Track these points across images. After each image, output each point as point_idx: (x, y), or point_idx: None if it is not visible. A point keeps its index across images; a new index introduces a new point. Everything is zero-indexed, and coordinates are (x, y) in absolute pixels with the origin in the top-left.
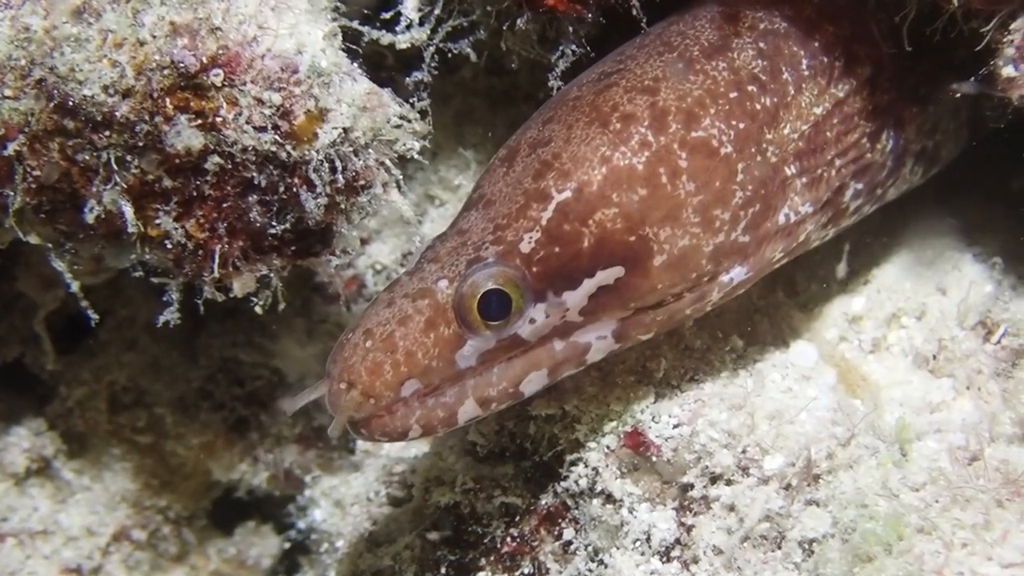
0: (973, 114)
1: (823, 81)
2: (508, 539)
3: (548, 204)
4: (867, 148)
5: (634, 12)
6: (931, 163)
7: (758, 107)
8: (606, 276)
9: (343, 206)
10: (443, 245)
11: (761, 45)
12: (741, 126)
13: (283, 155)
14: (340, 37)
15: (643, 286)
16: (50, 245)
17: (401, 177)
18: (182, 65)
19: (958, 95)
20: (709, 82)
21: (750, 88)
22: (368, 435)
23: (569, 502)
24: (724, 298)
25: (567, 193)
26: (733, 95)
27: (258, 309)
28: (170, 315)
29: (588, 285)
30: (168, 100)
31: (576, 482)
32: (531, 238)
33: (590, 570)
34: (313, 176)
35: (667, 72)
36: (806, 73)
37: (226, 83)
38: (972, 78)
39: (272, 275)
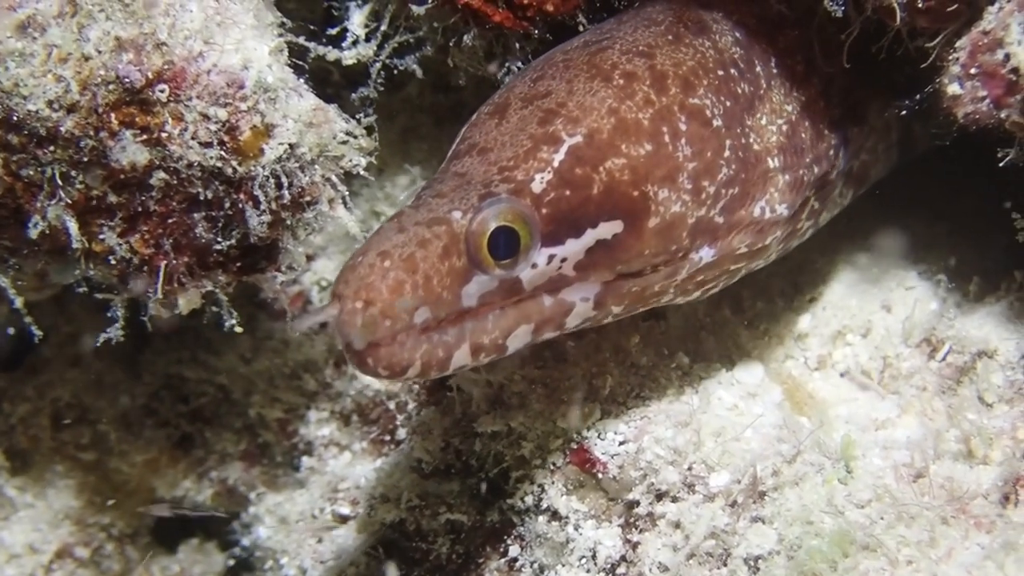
0: (903, 135)
1: (788, 82)
2: (454, 556)
3: (559, 147)
4: (832, 162)
5: (580, 28)
6: (859, 184)
7: (739, 91)
8: (607, 229)
9: (289, 222)
10: (444, 184)
11: (736, 35)
12: (728, 104)
13: (229, 171)
14: (286, 53)
15: (634, 247)
16: None
17: (347, 193)
18: (127, 80)
19: (902, 113)
20: (699, 56)
21: (732, 71)
22: (372, 365)
23: (515, 519)
24: (687, 280)
25: (578, 138)
26: (720, 73)
27: (237, 327)
28: (114, 332)
29: (590, 235)
30: (113, 115)
31: (522, 499)
32: (543, 178)
33: None
34: (259, 192)
35: (659, 41)
36: (775, 71)
37: (172, 98)
38: (917, 95)
39: (218, 291)
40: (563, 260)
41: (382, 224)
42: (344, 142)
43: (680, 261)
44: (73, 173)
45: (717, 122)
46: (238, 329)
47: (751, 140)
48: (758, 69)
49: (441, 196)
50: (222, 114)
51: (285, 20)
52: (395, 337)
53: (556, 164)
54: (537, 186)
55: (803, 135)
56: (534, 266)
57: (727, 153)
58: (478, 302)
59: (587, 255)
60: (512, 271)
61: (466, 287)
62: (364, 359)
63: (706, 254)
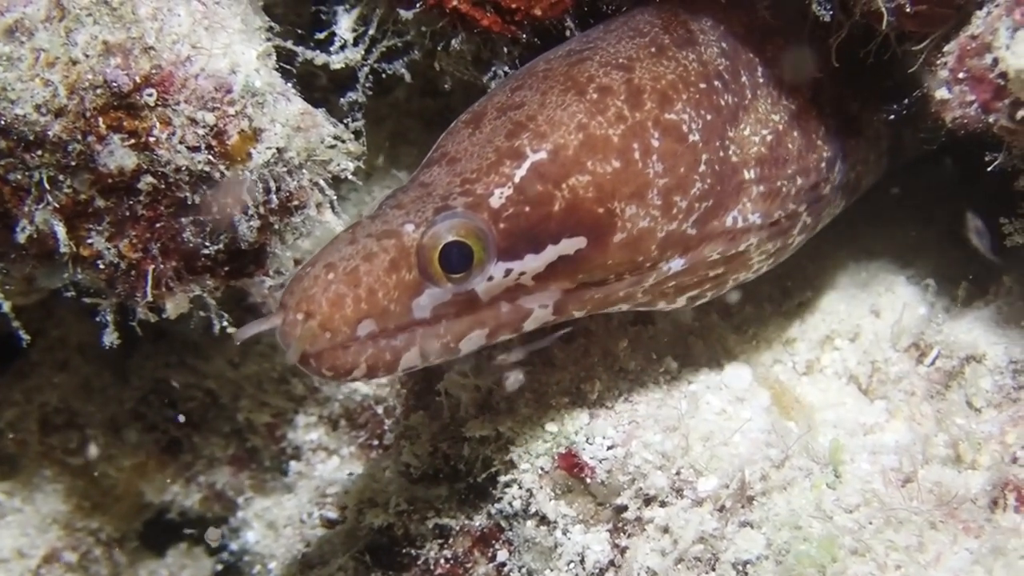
0: (893, 144)
1: (775, 91)
2: (442, 561)
3: (522, 162)
4: (824, 175)
5: (568, 33)
6: (852, 194)
7: (722, 103)
8: (569, 245)
9: (277, 226)
10: (406, 195)
11: (723, 45)
12: (708, 118)
13: (217, 175)
14: (274, 57)
15: (597, 260)
16: None
17: (335, 198)
18: (115, 84)
19: (890, 118)
20: (681, 69)
21: (716, 83)
22: (316, 367)
23: (503, 524)
24: (654, 287)
25: (542, 154)
26: (702, 86)
27: (230, 328)
28: (109, 336)
29: (551, 251)
30: (101, 119)
31: (510, 504)
32: (502, 194)
33: None
34: (246, 196)
35: (641, 54)
36: (761, 80)
37: (159, 102)
38: (905, 100)
39: (206, 296)
40: (521, 273)
41: (338, 234)
42: (332, 146)
43: (647, 271)
44: (61, 177)
45: (694, 137)
46: (231, 330)
47: (730, 152)
48: (743, 79)
49: (399, 207)
50: (210, 118)
51: (273, 24)
52: (342, 346)
53: (517, 180)
54: (496, 201)
55: (790, 145)
56: (490, 279)
57: (702, 168)
58: (431, 314)
59: (548, 268)
60: (465, 285)
61: (417, 299)
62: (307, 360)
63: (676, 264)
